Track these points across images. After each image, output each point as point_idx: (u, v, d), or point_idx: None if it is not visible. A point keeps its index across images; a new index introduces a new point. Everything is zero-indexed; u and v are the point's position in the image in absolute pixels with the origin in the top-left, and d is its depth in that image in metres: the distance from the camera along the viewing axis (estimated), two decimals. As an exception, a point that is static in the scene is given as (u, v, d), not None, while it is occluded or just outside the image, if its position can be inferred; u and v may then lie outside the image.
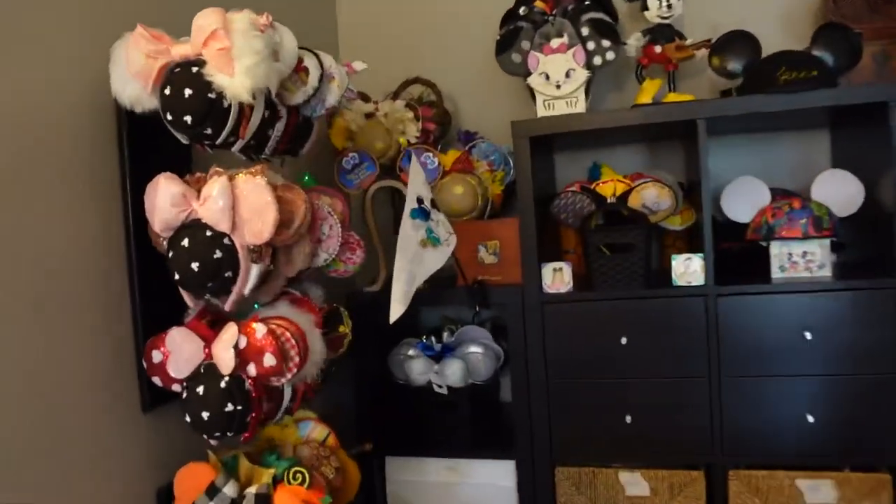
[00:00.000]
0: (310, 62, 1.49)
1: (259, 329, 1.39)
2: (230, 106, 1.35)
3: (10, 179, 1.26)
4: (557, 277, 1.93)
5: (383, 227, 2.18)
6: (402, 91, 2.30)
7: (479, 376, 2.11)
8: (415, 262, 1.52)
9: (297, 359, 1.42)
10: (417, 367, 2.12)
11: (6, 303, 1.23)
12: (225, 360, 1.39)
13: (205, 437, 1.41)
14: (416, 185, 1.58)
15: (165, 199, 1.36)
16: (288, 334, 1.42)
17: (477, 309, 2.06)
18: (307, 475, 1.44)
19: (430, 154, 2.11)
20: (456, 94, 2.41)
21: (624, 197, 1.86)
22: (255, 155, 1.55)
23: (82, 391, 1.39)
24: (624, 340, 1.87)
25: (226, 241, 1.36)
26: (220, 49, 1.30)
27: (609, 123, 1.86)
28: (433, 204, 1.59)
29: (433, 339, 2.22)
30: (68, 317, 1.37)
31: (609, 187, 1.89)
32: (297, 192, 1.45)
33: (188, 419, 1.40)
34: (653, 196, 1.82)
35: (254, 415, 1.42)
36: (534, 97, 1.95)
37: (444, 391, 2.11)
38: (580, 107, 1.89)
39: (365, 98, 2.21)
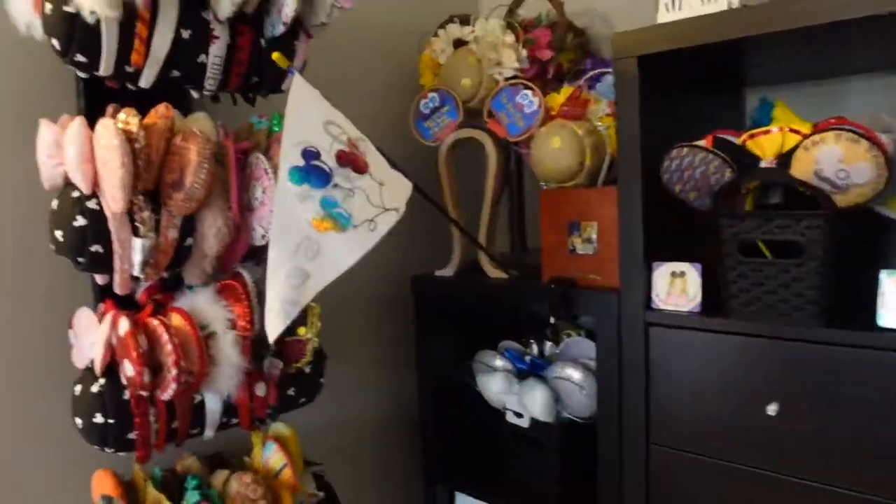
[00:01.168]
0: (236, -46, 1.05)
1: (122, 325, 1.04)
2: (98, 22, 1.00)
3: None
4: (676, 287, 1.20)
5: (465, 192, 1.64)
6: (517, 7, 1.68)
7: (575, 411, 1.48)
8: (304, 254, 0.99)
9: (174, 371, 1.04)
10: (494, 385, 1.57)
11: None
12: (96, 358, 1.08)
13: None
14: (300, 125, 0.99)
15: (42, 150, 1.07)
16: (166, 336, 1.04)
17: (552, 320, 1.42)
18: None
19: (529, 92, 1.49)
20: (602, 8, 1.71)
21: (785, 159, 1.04)
22: (195, 92, 1.18)
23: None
24: (773, 409, 1.08)
25: (91, 204, 1.03)
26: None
27: (794, 23, 1.02)
28: (348, 160, 0.99)
29: (534, 346, 1.64)
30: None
31: (772, 140, 1.07)
32: (194, 142, 1.03)
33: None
34: (834, 157, 0.97)
35: (138, 433, 1.09)
36: None
37: (524, 423, 1.53)
38: (727, 1, 1.10)
39: (464, 20, 1.65)
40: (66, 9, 0.99)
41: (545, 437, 1.53)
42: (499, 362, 1.61)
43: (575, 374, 1.46)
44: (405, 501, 1.85)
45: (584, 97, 1.46)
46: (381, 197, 1.01)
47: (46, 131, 1.07)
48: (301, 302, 0.97)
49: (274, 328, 0.97)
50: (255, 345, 1.14)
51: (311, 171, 0.96)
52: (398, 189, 1.04)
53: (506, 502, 1.57)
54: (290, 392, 1.26)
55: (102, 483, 1.18)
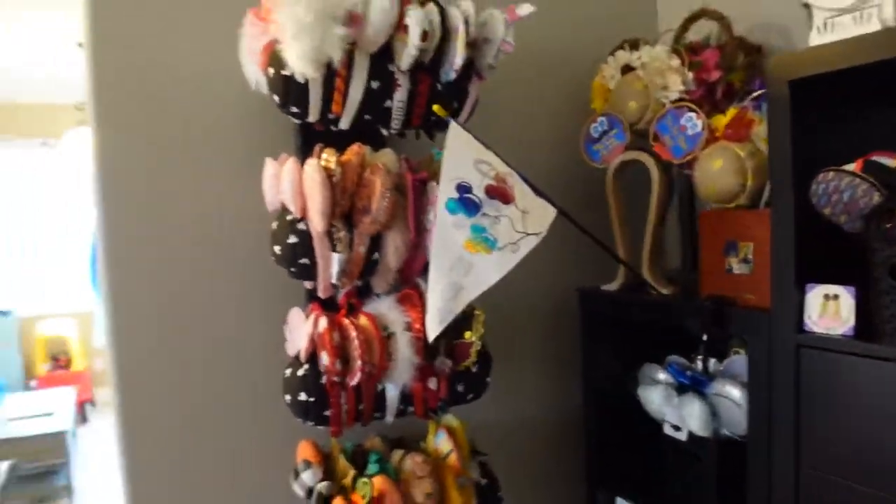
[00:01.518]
0: (413, 17, 1.25)
1: (321, 323, 1.29)
2: (308, 82, 1.26)
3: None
4: (829, 309, 1.19)
5: (631, 211, 1.71)
6: (686, 31, 1.70)
7: (733, 428, 1.49)
8: (457, 271, 1.13)
9: (358, 362, 1.26)
10: (655, 397, 1.63)
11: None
12: (301, 348, 1.34)
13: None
14: (455, 164, 1.14)
15: (266, 182, 1.37)
16: (355, 334, 1.27)
17: (704, 338, 1.44)
18: (371, 491, 1.29)
19: (693, 115, 1.53)
20: (780, 22, 1.67)
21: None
22: (384, 130, 1.40)
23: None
24: (933, 442, 1.04)
25: (300, 225, 1.29)
26: (276, 21, 1.22)
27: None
28: (496, 193, 1.12)
29: (698, 361, 1.66)
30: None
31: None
32: (378, 175, 1.26)
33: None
34: None
35: (332, 410, 1.34)
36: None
37: (682, 436, 1.57)
38: (881, 19, 1.08)
39: (634, 45, 1.72)
40: (284, 72, 1.26)
41: (702, 452, 1.55)
42: (661, 375, 1.66)
43: (734, 391, 1.47)
44: (565, 501, 1.95)
45: (748, 118, 1.47)
46: (524, 223, 1.15)
47: (269, 167, 1.36)
48: (455, 311, 1.15)
49: (432, 331, 1.16)
50: (427, 345, 1.34)
51: (464, 203, 1.13)
52: (542, 215, 1.17)
53: (660, 508, 1.62)
54: (459, 388, 1.45)
55: (305, 450, 1.46)
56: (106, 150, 1.46)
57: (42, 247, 6.53)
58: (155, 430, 1.52)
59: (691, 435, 1.56)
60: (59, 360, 6.21)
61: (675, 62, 1.59)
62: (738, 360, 1.58)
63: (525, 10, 1.33)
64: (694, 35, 1.70)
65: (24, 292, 6.45)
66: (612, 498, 1.76)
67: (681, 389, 1.61)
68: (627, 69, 1.68)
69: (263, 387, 1.54)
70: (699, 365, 1.65)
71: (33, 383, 6.02)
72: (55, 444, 4.53)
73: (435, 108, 1.25)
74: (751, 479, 1.35)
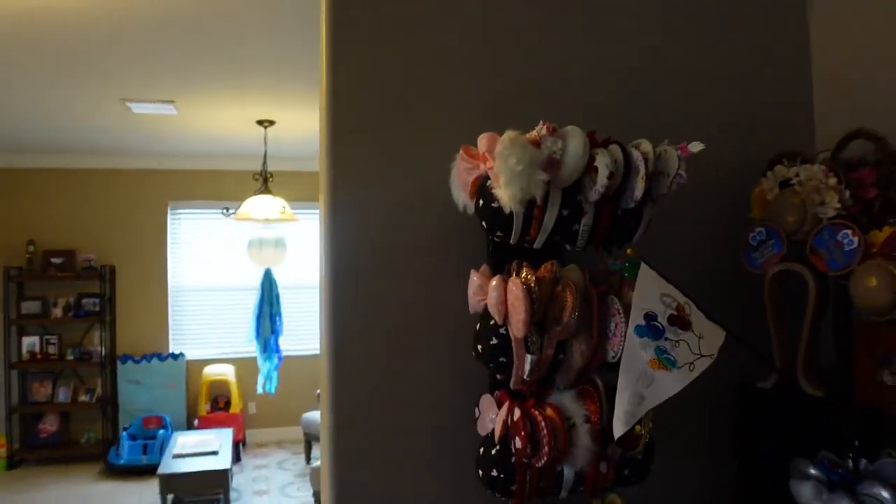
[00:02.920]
0: (601, 161, 1.50)
1: (516, 412, 1.53)
2: (511, 213, 1.54)
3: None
4: None
5: (788, 317, 1.84)
6: (842, 149, 1.85)
7: (886, 534, 1.57)
8: (641, 384, 1.33)
9: (546, 448, 1.49)
10: (805, 492, 1.73)
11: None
12: (496, 430, 1.59)
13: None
14: (643, 296, 1.35)
15: (471, 289, 1.65)
16: (543, 423, 1.51)
17: (856, 443, 1.55)
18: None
19: (849, 231, 1.67)
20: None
21: None
22: (569, 246, 1.65)
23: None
24: None
25: (501, 330, 1.56)
26: (490, 167, 1.51)
27: None
28: (677, 321, 1.32)
29: (850, 461, 1.75)
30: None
31: None
32: (570, 292, 1.50)
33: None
34: None
35: (516, 486, 1.57)
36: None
37: (836, 535, 1.67)
38: None
39: (791, 158, 1.88)
40: (493, 205, 1.54)
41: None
42: (812, 471, 1.77)
43: (884, 493, 1.56)
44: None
45: (906, 239, 1.60)
46: (700, 346, 1.35)
47: (474, 278, 1.64)
48: (638, 415, 1.36)
49: (618, 431, 1.38)
50: (602, 433, 1.55)
51: (650, 329, 1.36)
52: (713, 338, 1.37)
53: None
54: (625, 472, 1.64)
55: (491, 518, 1.69)
56: (341, 250, 1.82)
57: (213, 299, 7.29)
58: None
59: (844, 533, 1.66)
60: (219, 402, 6.87)
61: (833, 181, 1.74)
62: (890, 464, 1.67)
63: (696, 147, 1.55)
64: (850, 152, 1.84)
65: (194, 339, 7.22)
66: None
67: (831, 486, 1.71)
68: (786, 182, 1.85)
69: (461, 463, 1.81)
70: (850, 464, 1.75)
71: (196, 422, 6.68)
72: (218, 482, 5.04)
73: (628, 251, 1.49)
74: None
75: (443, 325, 1.84)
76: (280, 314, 5.95)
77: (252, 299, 6.26)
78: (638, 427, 1.57)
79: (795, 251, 1.82)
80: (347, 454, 1.81)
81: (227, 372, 6.76)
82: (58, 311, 7.14)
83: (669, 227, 1.97)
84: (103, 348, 7.13)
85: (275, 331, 5.87)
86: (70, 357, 7.16)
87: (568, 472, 1.60)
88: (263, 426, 7.16)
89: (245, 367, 6.90)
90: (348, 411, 1.81)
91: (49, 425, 7.13)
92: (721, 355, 1.94)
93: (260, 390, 6.10)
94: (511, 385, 1.60)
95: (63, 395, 7.20)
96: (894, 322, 1.56)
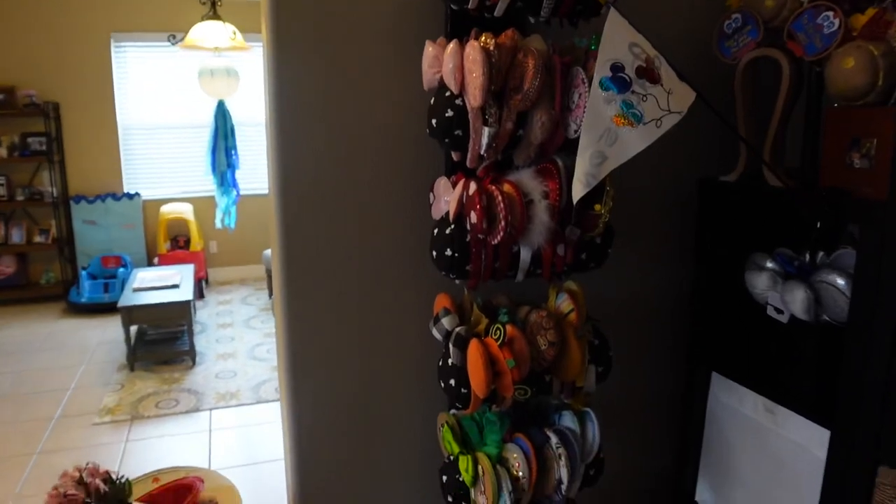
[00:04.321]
0: None
1: (472, 187, 1.47)
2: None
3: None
4: (949, 201, 1.28)
5: (757, 108, 1.78)
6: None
7: (834, 315, 1.61)
8: (604, 141, 1.26)
9: (502, 223, 1.45)
10: (760, 283, 1.76)
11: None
12: (450, 208, 1.54)
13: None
14: (610, 46, 1.25)
15: (426, 62, 1.53)
16: (500, 198, 1.45)
17: (818, 225, 1.54)
18: (503, 333, 1.51)
19: (831, 13, 1.57)
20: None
21: None
22: (532, 18, 1.53)
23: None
24: None
25: (457, 101, 1.46)
26: None
27: None
28: (645, 73, 1.24)
29: (807, 255, 1.77)
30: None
31: None
32: (531, 57, 1.40)
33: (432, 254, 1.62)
34: None
35: (472, 266, 1.54)
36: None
37: (783, 318, 1.71)
38: None
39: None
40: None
41: (802, 336, 1.69)
42: (769, 263, 1.79)
43: (839, 280, 1.58)
44: (664, 372, 2.14)
45: (887, 18, 1.51)
46: (668, 102, 1.27)
47: (429, 48, 1.52)
48: (598, 176, 1.31)
49: (577, 192, 1.33)
50: (561, 212, 1.51)
51: (616, 81, 1.27)
52: (683, 96, 1.29)
53: (757, 388, 1.78)
54: (583, 256, 1.62)
55: (442, 301, 1.68)
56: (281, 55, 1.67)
57: (166, 137, 7.02)
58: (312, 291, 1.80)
59: (793, 318, 1.70)
60: (179, 241, 6.80)
61: (818, -41, 1.62)
62: (846, 254, 1.68)
63: None
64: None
65: (148, 178, 7.01)
66: (709, 373, 1.93)
67: (786, 277, 1.73)
68: (768, -36, 1.72)
69: (414, 242, 1.80)
70: (807, 258, 1.76)
71: (155, 261, 6.63)
72: (180, 313, 5.06)
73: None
74: (846, 364, 1.48)
75: (396, 146, 1.76)
76: (235, 148, 5.74)
77: (206, 137, 6.02)
78: (598, 206, 1.53)
79: (771, 38, 1.73)
80: (296, 281, 1.78)
81: (185, 210, 6.63)
82: (2, 151, 6.83)
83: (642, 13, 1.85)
84: (54, 189, 6.90)
85: (231, 165, 5.69)
86: (20, 197, 6.94)
87: (524, 254, 1.58)
88: (226, 265, 7.15)
89: (204, 206, 6.76)
90: (298, 249, 1.78)
91: (6, 266, 7.02)
92: (684, 149, 1.91)
93: (219, 225, 6.00)
94: (468, 162, 1.53)
95: (17, 236, 7.04)
96: (867, 105, 1.50)
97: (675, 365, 2.12)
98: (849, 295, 1.55)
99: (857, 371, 1.45)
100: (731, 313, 1.88)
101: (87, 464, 1.81)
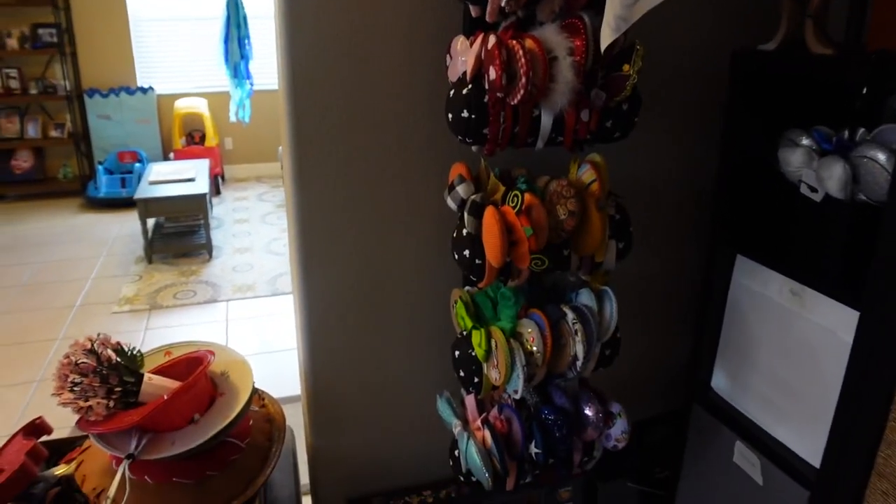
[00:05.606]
0: None
1: (491, 40, 1.36)
2: None
3: None
4: None
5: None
6: None
7: (872, 193, 1.51)
8: None
9: (523, 79, 1.34)
10: (795, 159, 1.65)
11: None
12: (468, 66, 1.43)
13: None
14: None
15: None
16: (521, 52, 1.34)
17: (864, 90, 1.42)
18: (521, 200, 1.43)
19: None
20: None
21: None
22: None
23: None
24: None
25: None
26: None
27: None
28: None
29: (846, 132, 1.65)
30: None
31: None
32: None
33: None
34: None
35: (489, 129, 1.45)
36: None
37: (817, 197, 1.61)
38: None
39: None
40: None
41: (835, 216, 1.59)
42: (804, 140, 1.67)
43: (881, 154, 1.47)
44: (688, 256, 2.08)
45: None
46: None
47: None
48: (630, 19, 1.19)
49: (605, 38, 1.21)
50: (586, 76, 1.40)
51: None
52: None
53: (784, 270, 1.70)
54: (608, 124, 1.52)
55: (459, 169, 1.60)
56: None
57: (178, 28, 6.81)
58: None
59: (827, 197, 1.60)
60: (194, 137, 6.72)
61: None
62: (889, 129, 1.56)
63: None
64: None
65: (162, 72, 6.86)
66: (733, 255, 1.86)
67: (823, 154, 1.62)
68: None
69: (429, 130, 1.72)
70: (846, 135, 1.65)
71: (171, 156, 6.59)
72: (196, 206, 5.05)
73: None
74: (882, 244, 1.39)
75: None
76: (248, 37, 5.55)
77: (219, 29, 5.83)
78: (626, 66, 1.41)
79: None
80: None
81: (199, 105, 6.51)
82: (13, 43, 6.68)
83: None
84: (67, 82, 6.79)
85: (244, 55, 5.51)
86: (34, 91, 6.85)
87: (546, 118, 1.47)
88: (242, 162, 7.09)
89: (218, 101, 6.63)
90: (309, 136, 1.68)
91: (23, 161, 7.01)
92: (714, 16, 1.77)
93: (233, 118, 5.91)
94: (487, 16, 1.41)
95: (32, 130, 6.99)
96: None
97: (698, 250, 2.05)
98: (890, 170, 1.45)
99: (892, 251, 1.36)
100: (760, 193, 1.79)
101: (99, 335, 1.79)
